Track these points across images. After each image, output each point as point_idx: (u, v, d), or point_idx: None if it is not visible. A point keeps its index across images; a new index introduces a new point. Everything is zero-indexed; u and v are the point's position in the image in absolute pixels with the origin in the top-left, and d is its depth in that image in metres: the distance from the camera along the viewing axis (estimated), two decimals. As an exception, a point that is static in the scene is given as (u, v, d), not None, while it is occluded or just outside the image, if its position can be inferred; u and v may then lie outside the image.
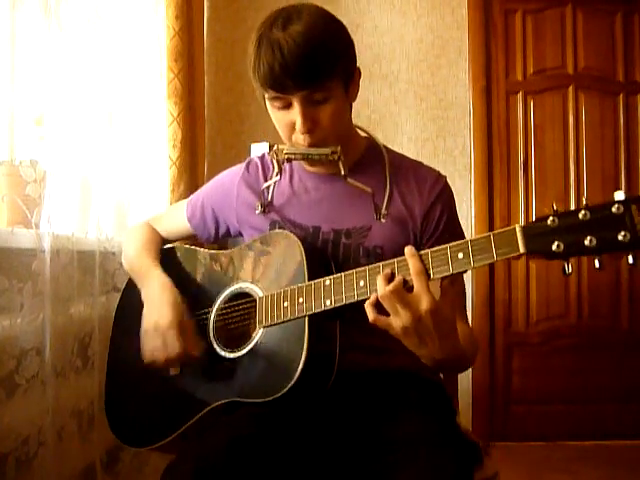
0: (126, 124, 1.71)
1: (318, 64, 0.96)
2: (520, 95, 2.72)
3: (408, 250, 0.88)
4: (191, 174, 2.05)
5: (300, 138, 1.03)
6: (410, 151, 1.22)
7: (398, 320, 0.86)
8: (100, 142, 1.52)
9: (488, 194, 2.67)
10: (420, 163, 1.18)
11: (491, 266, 2.66)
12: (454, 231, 1.13)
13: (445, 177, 1.16)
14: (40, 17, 1.25)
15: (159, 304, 1.10)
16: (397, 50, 2.67)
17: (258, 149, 2.00)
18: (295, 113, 1.00)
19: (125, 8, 1.70)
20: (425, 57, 2.65)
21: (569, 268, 0.77)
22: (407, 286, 0.86)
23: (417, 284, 0.85)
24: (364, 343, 1.04)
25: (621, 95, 2.72)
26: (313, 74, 0.96)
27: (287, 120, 1.03)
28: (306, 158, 1.06)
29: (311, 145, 1.04)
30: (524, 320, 2.72)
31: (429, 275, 0.86)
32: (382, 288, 0.87)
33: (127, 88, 1.72)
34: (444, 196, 1.13)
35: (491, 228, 2.68)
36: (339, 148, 1.04)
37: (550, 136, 2.72)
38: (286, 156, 1.06)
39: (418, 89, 2.65)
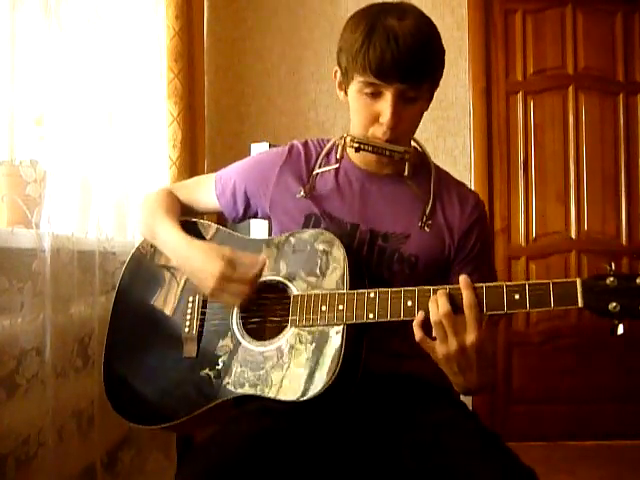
0: (126, 124, 1.70)
1: (426, 62, 0.98)
2: (520, 95, 2.72)
3: (463, 281, 0.89)
4: (191, 174, 2.05)
5: (379, 132, 1.02)
6: (410, 151, 1.22)
7: (444, 347, 0.88)
8: (100, 142, 1.52)
9: (488, 194, 2.67)
10: (463, 183, 1.19)
11: (491, 266, 2.66)
12: (486, 258, 1.14)
13: (483, 202, 1.17)
14: (40, 17, 1.25)
15: (202, 259, 1.05)
16: (397, 50, 2.66)
17: (258, 149, 2.00)
18: (385, 105, 0.99)
19: (125, 8, 1.70)
20: (425, 57, 2.65)
21: (620, 329, 0.80)
22: (457, 314, 0.87)
23: (469, 317, 0.86)
24: (380, 346, 1.04)
25: (621, 95, 2.72)
26: (419, 70, 0.98)
27: (372, 110, 1.02)
28: (377, 151, 1.04)
29: (389, 141, 1.02)
30: (524, 320, 2.72)
31: (482, 309, 0.87)
32: (435, 312, 0.88)
33: (127, 88, 1.72)
34: (482, 221, 1.14)
35: (491, 228, 2.68)
36: (412, 149, 1.04)
37: (550, 136, 2.72)
38: (356, 145, 1.04)
39: (418, 89, 2.65)
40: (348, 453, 0.99)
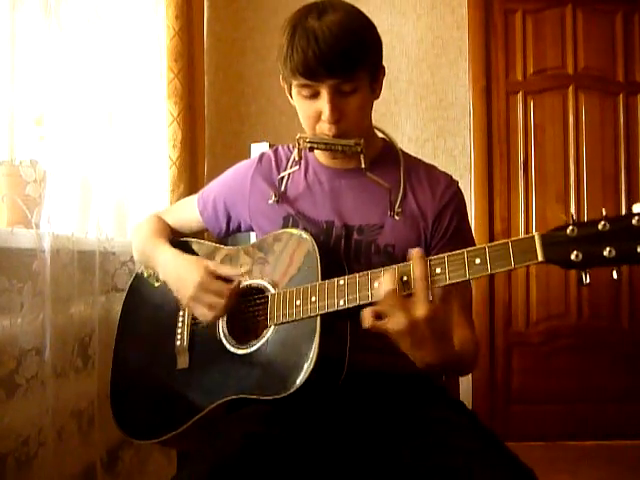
0: (126, 124, 1.71)
1: (351, 54, 0.98)
2: (520, 95, 2.72)
3: (415, 253, 0.86)
4: (191, 174, 2.05)
5: (325, 128, 1.04)
6: (410, 151, 1.22)
7: (393, 323, 0.85)
8: (100, 142, 1.52)
9: (488, 194, 2.67)
10: (434, 166, 1.20)
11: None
12: (464, 236, 1.13)
13: (457, 182, 1.17)
14: (40, 17, 1.25)
15: (184, 268, 1.12)
16: (397, 50, 2.67)
17: (258, 149, 2.00)
18: (323, 103, 1.01)
19: (125, 8, 1.70)
20: (425, 57, 2.66)
21: (587, 279, 0.77)
22: (409, 291, 0.86)
23: (418, 289, 0.84)
24: (376, 345, 1.03)
25: (621, 95, 2.72)
26: (345, 63, 0.98)
27: (313, 109, 1.04)
28: (329, 148, 1.06)
29: (336, 136, 1.04)
30: (524, 320, 2.72)
31: (443, 280, 0.84)
32: (380, 291, 0.86)
33: (127, 88, 1.72)
34: (456, 200, 1.13)
35: (491, 228, 2.68)
36: (362, 140, 1.04)
37: (550, 136, 2.72)
38: (309, 145, 1.06)
39: (418, 89, 2.65)
40: (347, 454, 0.99)
